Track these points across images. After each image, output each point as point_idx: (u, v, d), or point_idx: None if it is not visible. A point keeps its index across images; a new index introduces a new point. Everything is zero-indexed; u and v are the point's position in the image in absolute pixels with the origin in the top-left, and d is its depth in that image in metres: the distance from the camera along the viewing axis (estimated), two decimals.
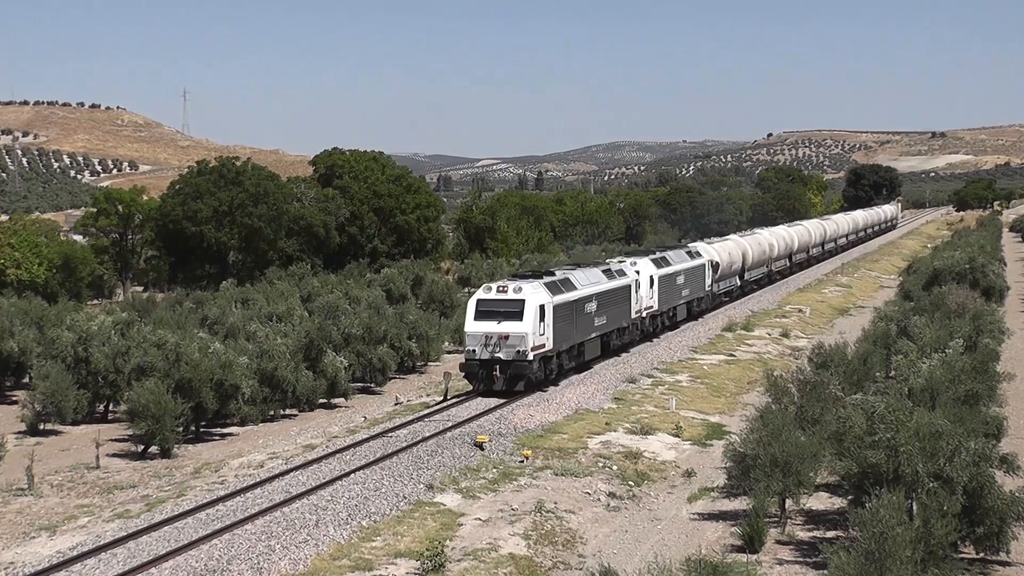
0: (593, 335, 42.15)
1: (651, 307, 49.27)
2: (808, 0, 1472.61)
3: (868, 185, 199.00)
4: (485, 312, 36.89)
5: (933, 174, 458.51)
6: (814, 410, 27.61)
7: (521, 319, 36.28)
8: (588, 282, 42.10)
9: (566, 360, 40.12)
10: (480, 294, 37.83)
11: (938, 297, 45.60)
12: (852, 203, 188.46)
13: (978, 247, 71.58)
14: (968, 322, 39.03)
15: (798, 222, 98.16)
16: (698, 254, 58.17)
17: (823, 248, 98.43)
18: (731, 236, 72.43)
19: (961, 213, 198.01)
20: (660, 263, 51.00)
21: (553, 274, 41.17)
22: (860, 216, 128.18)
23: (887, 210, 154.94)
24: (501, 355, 36.30)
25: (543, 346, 37.47)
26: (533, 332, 36.34)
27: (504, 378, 36.47)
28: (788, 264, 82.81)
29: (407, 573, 21.07)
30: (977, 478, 20.64)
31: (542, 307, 37.13)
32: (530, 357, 36.35)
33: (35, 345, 41.72)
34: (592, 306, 41.72)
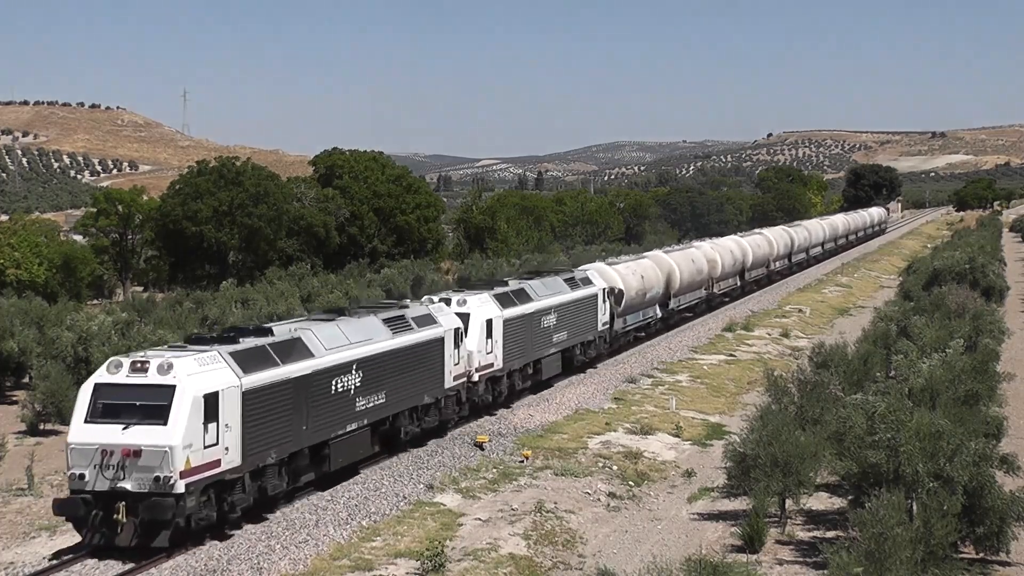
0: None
1: (488, 364, 34.10)
2: (808, 1, 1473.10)
3: (868, 185, 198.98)
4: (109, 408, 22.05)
5: (933, 174, 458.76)
6: (814, 410, 27.61)
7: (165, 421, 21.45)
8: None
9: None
10: (102, 375, 22.71)
11: (938, 297, 45.59)
12: (852, 203, 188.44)
13: (978, 247, 71.58)
14: (968, 322, 39.03)
15: (758, 231, 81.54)
16: (586, 281, 43.58)
17: (790, 260, 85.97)
18: (652, 252, 57.87)
19: (961, 213, 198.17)
20: (509, 299, 35.93)
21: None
22: (840, 221, 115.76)
23: (873, 213, 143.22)
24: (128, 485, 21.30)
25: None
26: (185, 445, 21.45)
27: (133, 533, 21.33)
28: (739, 283, 68.93)
29: (407, 573, 21.07)
30: (977, 478, 20.64)
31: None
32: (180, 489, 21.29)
33: (35, 345, 41.67)
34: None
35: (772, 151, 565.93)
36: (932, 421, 21.30)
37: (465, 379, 32.48)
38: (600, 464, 29.32)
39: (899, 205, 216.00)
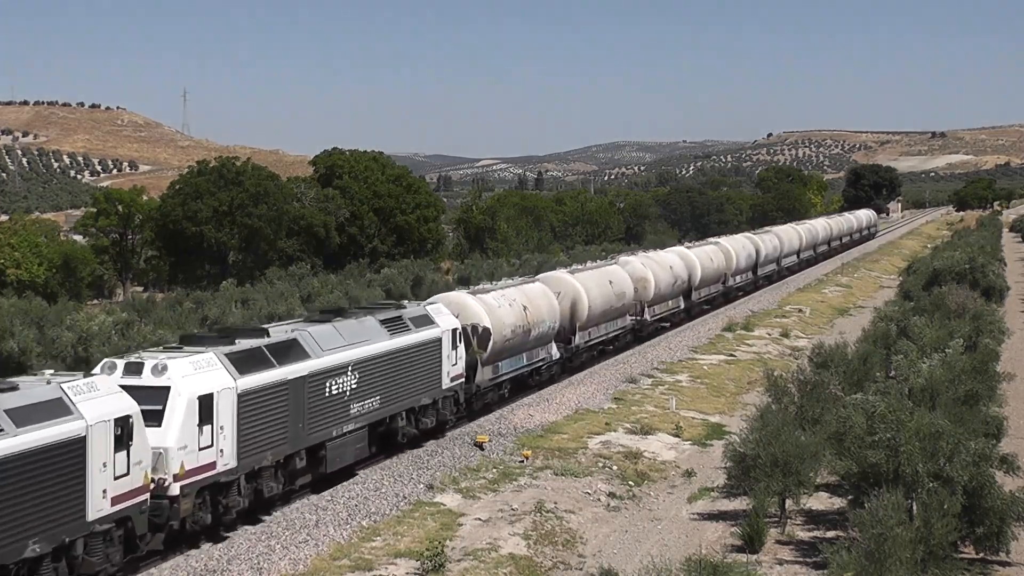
0: None
1: (205, 466, 22.17)
2: (808, 0, 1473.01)
3: (868, 185, 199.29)
4: None
5: (933, 174, 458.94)
6: (814, 410, 27.60)
7: None
8: None
9: None
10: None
11: (938, 297, 45.58)
12: (852, 203, 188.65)
13: (978, 247, 71.61)
14: (968, 322, 39.03)
15: (713, 240, 69.32)
16: (423, 320, 31.42)
17: (755, 274, 73.96)
18: (548, 273, 45.64)
19: (961, 213, 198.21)
20: (254, 360, 24.13)
21: None
22: (820, 226, 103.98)
23: (861, 217, 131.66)
24: None
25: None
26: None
27: None
28: (682, 305, 56.74)
29: (407, 573, 21.07)
30: (977, 478, 20.64)
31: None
32: None
33: (35, 345, 41.67)
34: None
35: (772, 151, 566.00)
36: (932, 421, 21.30)
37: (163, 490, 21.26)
38: (600, 464, 29.32)
39: (899, 205, 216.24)
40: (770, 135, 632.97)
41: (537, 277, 44.41)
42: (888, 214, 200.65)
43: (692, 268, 58.38)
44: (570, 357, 42.62)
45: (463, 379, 32.90)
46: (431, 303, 34.11)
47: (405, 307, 31.90)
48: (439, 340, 31.17)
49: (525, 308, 37.76)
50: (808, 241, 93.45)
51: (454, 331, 32.13)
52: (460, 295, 36.24)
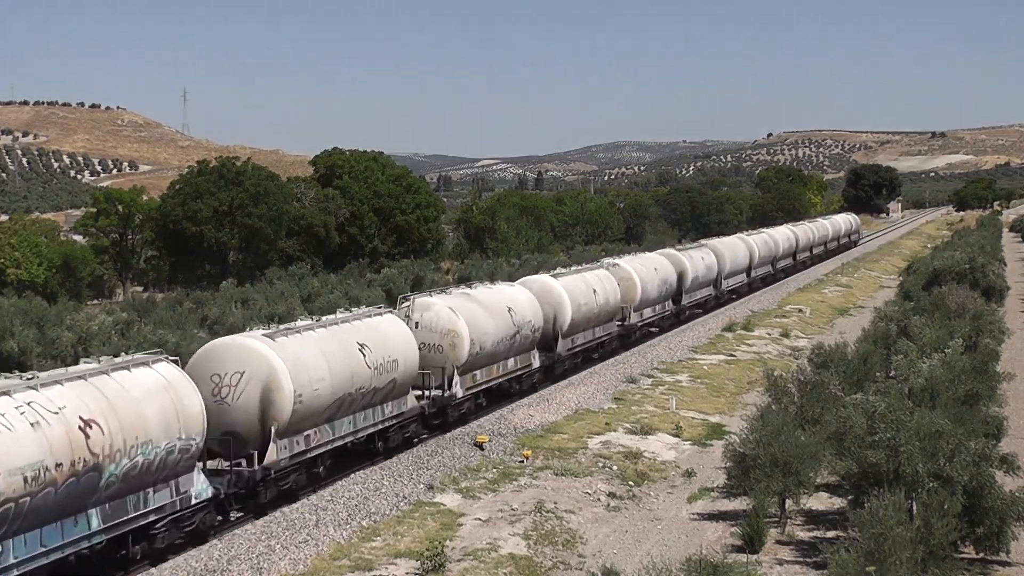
0: None
1: None
2: (808, 0, 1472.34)
3: (868, 185, 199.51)
4: None
5: (933, 174, 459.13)
6: (814, 410, 27.59)
7: None
8: None
9: None
10: None
11: (938, 297, 45.56)
12: (852, 203, 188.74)
13: (978, 247, 71.56)
14: (968, 322, 39.01)
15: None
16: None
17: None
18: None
19: (961, 213, 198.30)
20: None
21: None
22: (782, 236, 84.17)
23: (839, 223, 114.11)
24: None
25: None
26: None
27: None
28: (534, 365, 38.82)
29: (407, 573, 21.07)
30: (977, 478, 20.63)
31: None
32: None
33: (35, 345, 41.71)
34: None
35: (772, 151, 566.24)
36: (932, 421, 21.30)
37: None
38: (600, 464, 29.32)
39: (899, 205, 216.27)
40: (770, 135, 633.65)
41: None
42: (888, 214, 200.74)
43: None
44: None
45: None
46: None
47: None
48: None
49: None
50: (764, 255, 75.92)
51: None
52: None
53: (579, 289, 42.53)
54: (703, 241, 67.44)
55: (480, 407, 34.89)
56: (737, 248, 70.16)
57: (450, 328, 32.87)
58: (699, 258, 60.44)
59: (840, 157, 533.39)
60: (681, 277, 56.33)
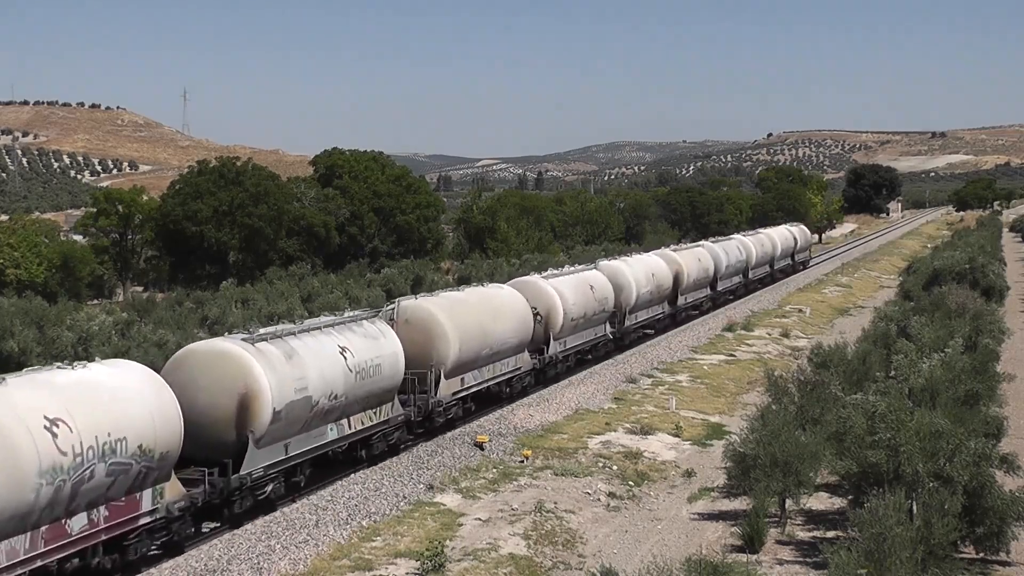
0: None
1: None
2: (808, 1, 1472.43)
3: (868, 185, 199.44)
4: None
5: (933, 174, 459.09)
6: (814, 410, 27.60)
7: None
8: None
9: None
10: None
11: (938, 297, 45.57)
12: (852, 203, 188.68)
13: (978, 247, 71.57)
14: (968, 322, 39.02)
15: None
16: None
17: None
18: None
19: (961, 213, 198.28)
20: None
21: None
22: (689, 262, 58.33)
23: (775, 237, 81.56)
24: None
25: None
26: None
27: None
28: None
29: (407, 573, 21.07)
30: (977, 478, 20.63)
31: None
32: None
33: (35, 345, 41.71)
34: None
35: (772, 151, 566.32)
36: (932, 421, 21.29)
37: None
38: (600, 464, 29.32)
39: (899, 205, 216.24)
40: (770, 135, 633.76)
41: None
42: (888, 214, 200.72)
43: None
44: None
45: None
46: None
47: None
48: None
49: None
50: (651, 291, 51.68)
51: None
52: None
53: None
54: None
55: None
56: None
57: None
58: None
59: (840, 157, 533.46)
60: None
